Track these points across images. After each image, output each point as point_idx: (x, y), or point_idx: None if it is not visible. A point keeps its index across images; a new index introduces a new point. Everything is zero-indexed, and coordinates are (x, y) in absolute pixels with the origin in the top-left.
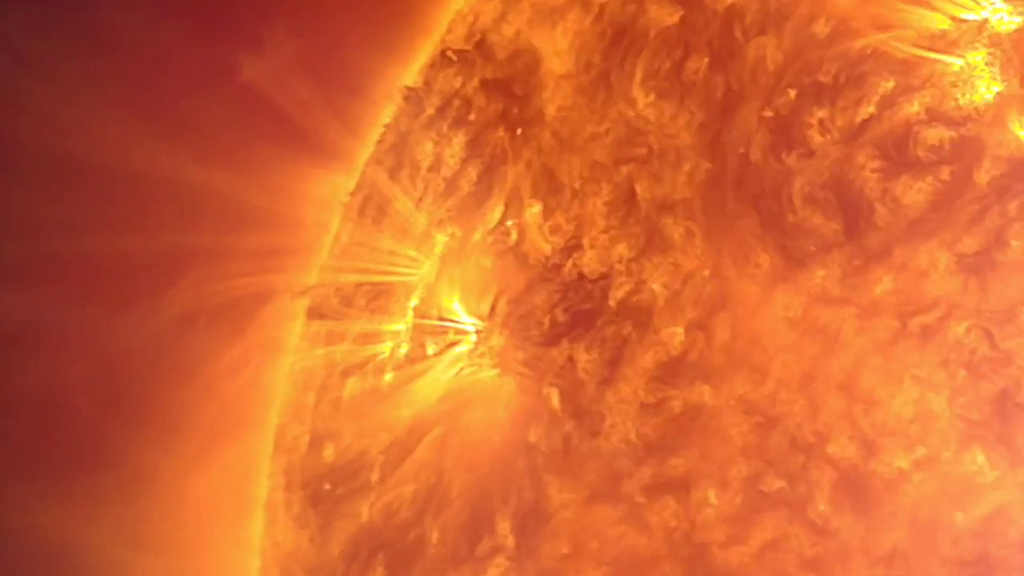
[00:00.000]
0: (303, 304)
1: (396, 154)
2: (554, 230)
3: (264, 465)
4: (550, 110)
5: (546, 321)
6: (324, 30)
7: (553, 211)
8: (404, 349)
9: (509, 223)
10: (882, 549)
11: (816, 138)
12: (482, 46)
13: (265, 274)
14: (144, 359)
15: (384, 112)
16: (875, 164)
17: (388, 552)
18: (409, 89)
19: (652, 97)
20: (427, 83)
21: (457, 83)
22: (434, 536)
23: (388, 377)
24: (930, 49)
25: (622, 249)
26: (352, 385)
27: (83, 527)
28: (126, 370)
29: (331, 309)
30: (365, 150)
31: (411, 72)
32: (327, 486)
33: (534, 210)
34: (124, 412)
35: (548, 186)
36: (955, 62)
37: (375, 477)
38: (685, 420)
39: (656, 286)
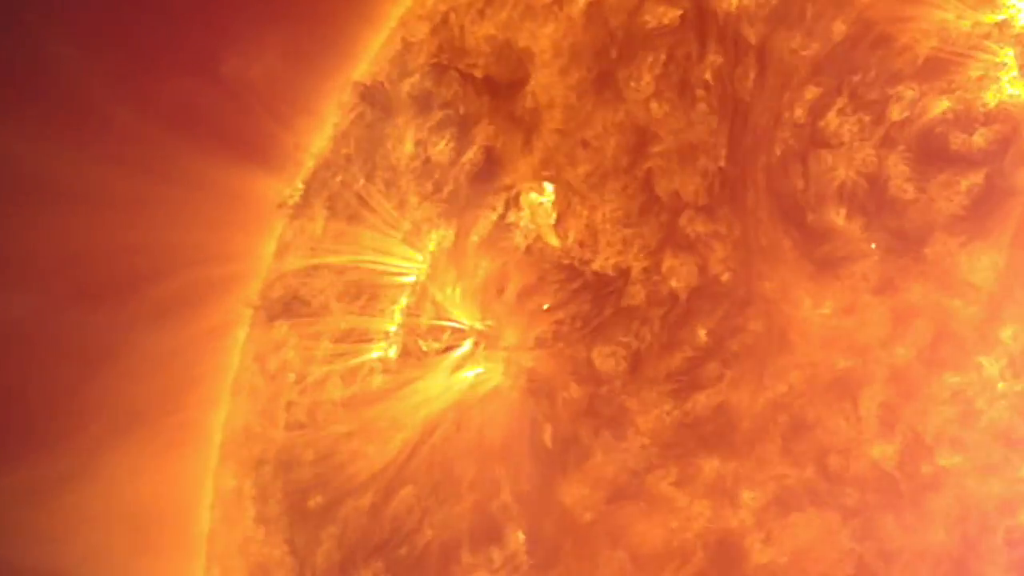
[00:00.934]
0: (267, 305)
1: (367, 153)
2: (565, 229)
3: (211, 466)
4: (551, 108)
5: (559, 320)
6: (264, 24)
7: (562, 209)
8: (394, 350)
9: (513, 221)
10: (924, 551)
11: (842, 139)
12: (460, 43)
13: (214, 276)
14: (92, 354)
15: (333, 109)
16: (905, 165)
17: (387, 558)
18: (367, 87)
19: (663, 95)
20: (391, 81)
21: (430, 82)
22: (439, 540)
23: (378, 379)
24: (955, 49)
25: (639, 248)
26: (335, 387)
27: (19, 523)
28: (74, 365)
29: (305, 308)
30: (317, 147)
31: (364, 67)
32: (308, 488)
33: (542, 208)
34: (69, 406)
35: (556, 185)
36: (981, 62)
37: (367, 481)
38: (712, 421)
39: (677, 285)
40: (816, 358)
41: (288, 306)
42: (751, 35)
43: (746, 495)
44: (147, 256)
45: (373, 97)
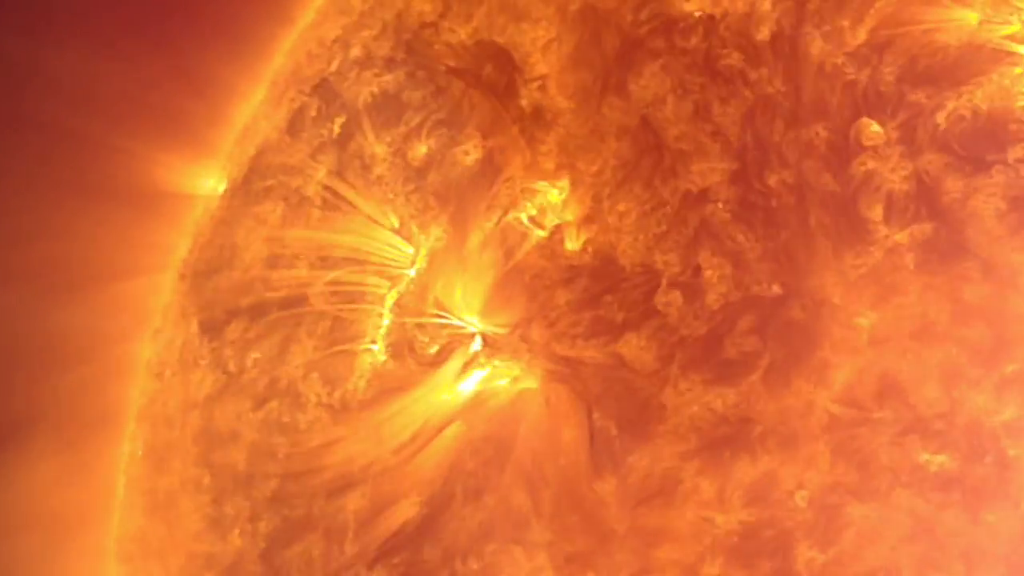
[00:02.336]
0: (216, 302)
1: (334, 151)
2: (581, 227)
3: (121, 467)
4: (555, 105)
5: (579, 319)
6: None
7: (577, 207)
8: (381, 350)
9: (522, 219)
10: (988, 550)
11: (877, 140)
12: (433, 39)
13: (140, 269)
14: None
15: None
16: (946, 166)
17: (389, 565)
18: (316, 83)
19: (679, 91)
20: (347, 76)
21: (401, 78)
22: (451, 546)
23: (363, 383)
24: (985, 53)
25: (667, 246)
26: (317, 390)
27: None
28: None
29: (268, 306)
30: (257, 142)
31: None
32: (281, 492)
33: (554, 205)
34: None
35: (568, 182)
36: (1015, 65)
37: (356, 487)
38: (757, 422)
39: (709, 285)
40: (866, 362)
41: (248, 305)
42: (770, 33)
43: (796, 495)
44: (69, 253)
45: (323, 92)
